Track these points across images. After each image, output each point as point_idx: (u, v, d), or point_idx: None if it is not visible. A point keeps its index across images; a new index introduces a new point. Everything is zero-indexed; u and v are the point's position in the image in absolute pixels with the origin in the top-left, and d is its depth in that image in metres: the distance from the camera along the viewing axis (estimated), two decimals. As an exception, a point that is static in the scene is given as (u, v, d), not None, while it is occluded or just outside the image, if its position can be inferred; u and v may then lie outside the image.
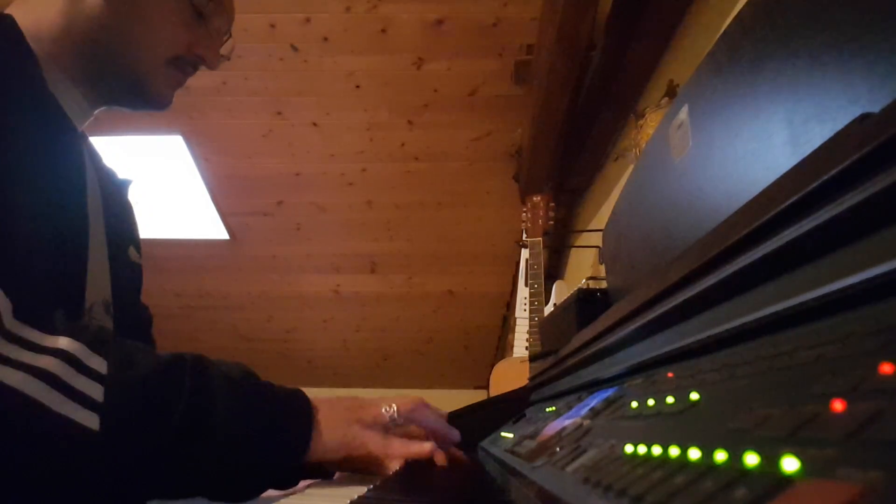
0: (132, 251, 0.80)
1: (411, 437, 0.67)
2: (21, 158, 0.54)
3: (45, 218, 0.56)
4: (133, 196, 0.85)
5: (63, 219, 0.59)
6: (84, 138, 0.75)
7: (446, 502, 0.51)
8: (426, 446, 0.61)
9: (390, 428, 0.63)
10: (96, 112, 0.73)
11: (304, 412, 0.58)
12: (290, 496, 0.51)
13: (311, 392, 0.89)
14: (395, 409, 0.64)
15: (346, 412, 0.60)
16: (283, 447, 0.55)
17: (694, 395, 0.26)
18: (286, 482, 0.61)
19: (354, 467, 0.64)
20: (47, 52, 0.64)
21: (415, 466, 0.65)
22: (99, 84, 0.69)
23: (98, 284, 0.66)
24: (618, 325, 0.45)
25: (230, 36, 0.77)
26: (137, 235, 0.85)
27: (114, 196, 0.77)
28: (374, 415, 0.62)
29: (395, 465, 0.61)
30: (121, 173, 0.82)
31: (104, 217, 0.72)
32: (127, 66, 0.68)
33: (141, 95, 0.71)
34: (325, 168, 2.67)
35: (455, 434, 0.70)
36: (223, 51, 0.77)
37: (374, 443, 0.60)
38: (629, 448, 0.26)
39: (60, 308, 0.58)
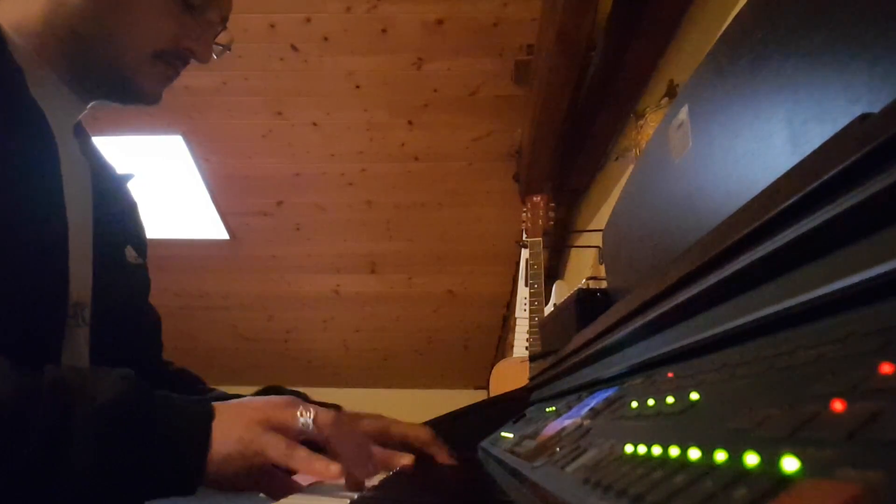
0: (129, 251, 0.77)
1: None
2: None
3: (11, 220, 0.54)
4: (135, 193, 0.83)
5: (34, 220, 0.57)
6: (82, 133, 0.74)
7: (446, 502, 0.51)
8: (332, 468, 0.50)
9: (300, 437, 0.54)
10: (88, 107, 0.71)
11: (192, 428, 0.50)
12: (290, 496, 0.51)
13: (309, 393, 0.87)
14: (312, 417, 0.54)
15: (250, 412, 0.52)
16: (165, 471, 0.48)
17: (694, 395, 0.26)
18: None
19: (256, 486, 0.54)
20: (33, 47, 0.63)
21: (415, 465, 0.64)
22: (86, 79, 0.67)
23: (76, 285, 0.64)
24: (618, 325, 0.45)
25: (225, 28, 0.74)
26: (140, 235, 0.82)
27: (111, 193, 0.75)
28: (285, 418, 0.53)
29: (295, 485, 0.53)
30: (121, 168, 0.80)
31: (94, 215, 0.70)
32: (110, 60, 0.66)
33: (128, 90, 0.68)
34: (325, 168, 2.67)
35: (360, 475, 0.57)
36: (222, 41, 0.74)
37: (273, 449, 0.51)
38: (629, 448, 0.26)
39: (40, 310, 0.56)
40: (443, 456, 0.75)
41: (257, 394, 0.83)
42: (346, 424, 0.57)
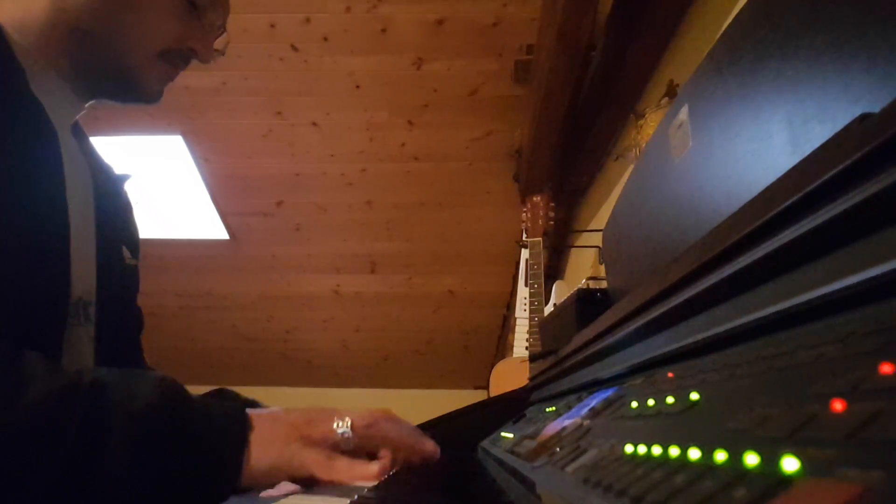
0: (125, 251, 0.77)
1: (372, 454, 0.59)
2: None
3: (13, 218, 0.54)
4: (132, 193, 0.83)
5: (36, 217, 0.57)
6: (79, 133, 0.74)
7: (446, 502, 0.51)
8: (372, 468, 0.53)
9: (342, 445, 0.55)
10: (87, 105, 0.71)
11: (229, 437, 0.50)
12: (290, 496, 0.50)
13: (309, 392, 0.87)
14: (349, 423, 0.55)
15: (288, 428, 0.53)
16: (200, 479, 0.48)
17: (694, 395, 0.26)
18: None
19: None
20: (34, 44, 0.63)
21: (415, 466, 0.64)
22: (88, 77, 0.67)
23: (79, 283, 0.64)
24: (618, 325, 0.45)
25: (224, 31, 0.75)
26: (133, 236, 0.82)
27: (110, 193, 0.76)
28: (323, 431, 0.55)
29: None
30: (119, 169, 0.80)
31: (96, 214, 0.70)
32: (117, 57, 0.66)
33: (131, 88, 0.69)
34: (325, 168, 2.67)
35: (428, 446, 0.61)
36: (218, 45, 0.75)
37: (315, 464, 0.52)
38: (629, 448, 0.26)
39: (41, 308, 0.56)
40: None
41: (210, 395, 0.83)
42: (381, 418, 0.59)
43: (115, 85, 0.69)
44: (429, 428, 0.81)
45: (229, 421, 0.52)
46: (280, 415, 0.55)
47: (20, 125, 0.57)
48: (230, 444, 0.50)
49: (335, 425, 0.55)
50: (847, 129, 0.21)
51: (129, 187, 0.83)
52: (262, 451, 0.51)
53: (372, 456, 0.59)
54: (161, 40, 0.67)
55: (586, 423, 0.39)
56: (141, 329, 0.85)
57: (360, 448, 0.57)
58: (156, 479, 0.46)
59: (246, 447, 0.51)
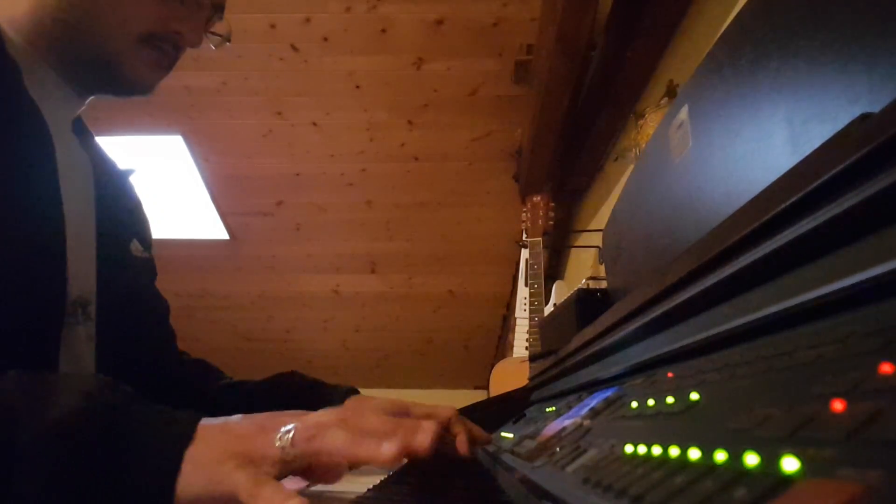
0: (135, 245, 0.77)
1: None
2: None
3: (4, 217, 0.53)
4: (138, 188, 0.83)
5: (30, 217, 0.56)
6: (82, 130, 0.74)
7: (446, 502, 0.51)
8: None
9: (289, 461, 0.44)
10: (87, 101, 0.71)
11: (165, 451, 0.41)
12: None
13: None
14: (290, 437, 0.44)
15: (228, 443, 0.43)
16: (127, 497, 0.40)
17: (694, 395, 0.26)
18: None
19: None
20: (27, 40, 0.63)
21: (414, 466, 0.64)
22: (77, 70, 0.67)
23: (77, 282, 0.63)
24: (618, 325, 0.45)
25: (221, 16, 0.73)
26: (144, 229, 0.82)
27: (114, 189, 0.75)
28: (263, 446, 0.43)
29: None
30: (122, 164, 0.80)
31: (97, 211, 0.70)
32: (97, 46, 0.65)
33: (117, 78, 0.67)
34: (325, 168, 2.67)
35: (383, 454, 0.44)
36: (220, 31, 0.74)
37: (241, 487, 0.41)
38: (629, 448, 0.26)
39: (36, 309, 0.55)
40: (461, 439, 0.64)
41: (273, 379, 0.83)
42: (334, 425, 0.46)
43: (103, 75, 0.68)
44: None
45: (164, 436, 0.43)
46: (232, 425, 0.45)
47: (11, 124, 0.57)
48: (158, 466, 0.41)
49: (277, 438, 0.44)
50: (847, 129, 0.21)
51: (134, 182, 0.83)
52: (192, 473, 0.41)
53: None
54: (139, 24, 0.66)
55: (586, 423, 0.39)
56: (162, 317, 0.84)
57: (302, 464, 0.45)
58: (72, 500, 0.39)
59: (179, 469, 0.41)
